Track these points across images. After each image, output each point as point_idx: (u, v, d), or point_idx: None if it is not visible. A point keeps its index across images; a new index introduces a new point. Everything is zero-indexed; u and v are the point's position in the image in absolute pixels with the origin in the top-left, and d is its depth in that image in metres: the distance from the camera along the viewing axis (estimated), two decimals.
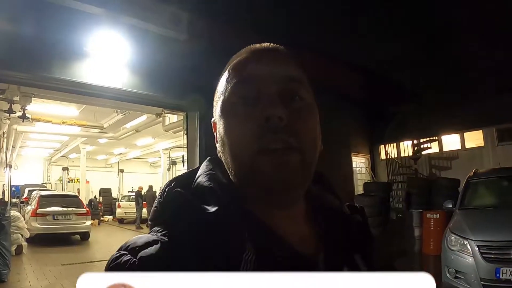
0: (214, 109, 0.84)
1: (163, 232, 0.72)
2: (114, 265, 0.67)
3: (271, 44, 0.85)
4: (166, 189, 0.78)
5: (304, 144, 0.73)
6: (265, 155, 0.70)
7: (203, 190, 0.76)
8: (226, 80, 0.80)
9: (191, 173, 0.84)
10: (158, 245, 0.68)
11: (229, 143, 0.75)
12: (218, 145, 0.82)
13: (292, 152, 0.71)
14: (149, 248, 0.68)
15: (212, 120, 0.86)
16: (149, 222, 0.80)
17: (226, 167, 0.79)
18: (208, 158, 0.87)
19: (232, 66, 0.81)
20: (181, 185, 0.78)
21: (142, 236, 0.72)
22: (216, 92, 0.84)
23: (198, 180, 0.79)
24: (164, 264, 0.64)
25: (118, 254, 0.69)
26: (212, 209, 0.70)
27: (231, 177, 0.79)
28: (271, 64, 0.78)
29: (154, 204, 0.80)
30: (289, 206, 0.78)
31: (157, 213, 0.78)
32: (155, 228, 0.74)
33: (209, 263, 0.63)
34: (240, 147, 0.73)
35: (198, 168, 0.85)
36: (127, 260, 0.66)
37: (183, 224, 0.70)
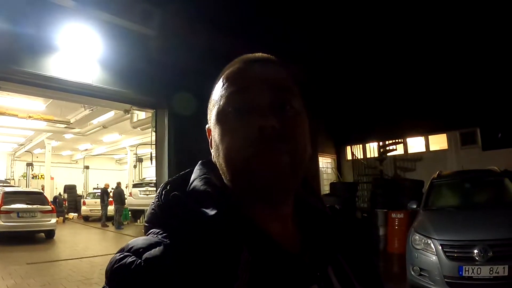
0: (208, 116, 0.87)
1: (163, 234, 0.74)
2: (119, 266, 0.68)
3: (263, 54, 0.88)
4: (163, 192, 0.80)
5: (295, 148, 0.77)
6: (258, 156, 0.73)
7: (200, 194, 0.78)
8: (221, 89, 0.82)
9: (184, 176, 0.87)
10: (162, 247, 0.70)
11: (224, 151, 0.78)
12: (213, 151, 0.85)
13: (283, 155, 0.74)
14: (153, 250, 0.69)
15: (207, 126, 0.89)
16: (146, 224, 0.82)
17: (220, 172, 0.82)
18: (201, 161, 0.90)
19: (226, 75, 0.83)
20: (177, 189, 0.80)
21: (141, 238, 0.75)
22: (210, 100, 0.87)
23: (193, 184, 0.82)
24: (168, 266, 0.67)
25: (121, 256, 0.70)
26: (211, 212, 0.73)
27: (225, 181, 0.82)
28: (263, 74, 0.80)
29: (151, 207, 0.81)
30: (280, 205, 0.81)
31: (156, 215, 0.79)
32: (154, 230, 0.76)
33: (211, 264, 0.68)
34: (235, 155, 0.76)
35: (189, 171, 0.88)
36: (133, 261, 0.68)
37: (184, 227, 0.73)
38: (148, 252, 0.69)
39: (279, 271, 0.73)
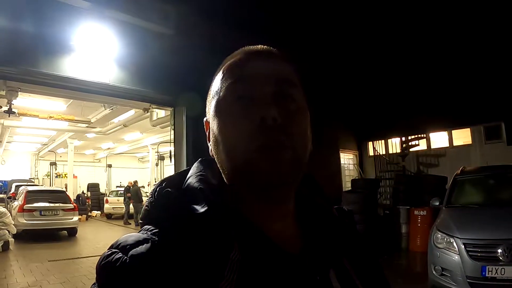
0: (207, 109, 0.85)
1: (154, 231, 0.73)
2: (106, 263, 0.68)
3: (265, 46, 0.86)
4: (157, 189, 0.79)
5: (296, 143, 0.74)
6: (260, 152, 0.71)
7: (193, 190, 0.77)
8: (221, 80, 0.80)
9: (182, 174, 0.85)
10: (149, 244, 0.69)
11: (224, 142, 0.76)
12: (211, 144, 0.83)
13: (285, 149, 0.72)
14: (139, 247, 0.69)
15: (205, 119, 0.87)
16: (140, 221, 0.81)
17: (219, 165, 0.80)
18: (199, 159, 0.88)
19: (227, 67, 0.82)
20: (172, 186, 0.79)
21: (133, 234, 0.74)
22: (209, 92, 0.85)
23: (188, 181, 0.80)
24: (154, 263, 0.66)
25: (109, 252, 0.70)
26: (201, 209, 0.71)
27: (223, 176, 0.80)
28: (265, 66, 0.79)
29: (145, 204, 0.81)
30: (280, 203, 0.79)
31: (148, 212, 0.79)
32: (146, 227, 0.75)
33: (197, 263, 0.66)
34: (234, 146, 0.74)
35: (189, 169, 0.86)
36: (118, 258, 0.67)
37: (172, 224, 0.72)
38: (134, 249, 0.68)
39: (274, 272, 0.71)
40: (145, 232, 0.73)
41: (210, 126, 0.82)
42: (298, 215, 0.85)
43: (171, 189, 0.77)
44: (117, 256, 0.68)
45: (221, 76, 0.81)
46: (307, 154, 0.78)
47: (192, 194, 0.76)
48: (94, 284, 0.69)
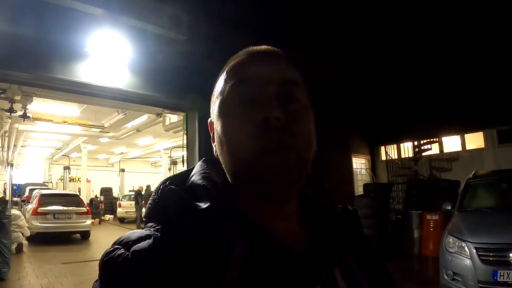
0: (211, 110, 0.85)
1: (157, 227, 0.73)
2: (108, 259, 0.68)
3: (269, 46, 0.86)
4: (161, 187, 0.79)
5: (300, 144, 0.74)
6: (263, 153, 0.71)
7: (196, 188, 0.77)
8: (224, 81, 0.81)
9: (186, 173, 0.85)
10: (151, 240, 0.69)
11: (227, 143, 0.76)
12: (215, 145, 0.83)
13: (288, 150, 0.72)
14: (142, 243, 0.69)
15: (209, 120, 0.88)
16: (144, 219, 0.82)
17: (223, 166, 0.80)
18: (203, 159, 0.88)
19: (230, 67, 0.82)
20: (176, 184, 0.79)
21: (136, 231, 0.74)
22: (213, 93, 0.85)
23: (192, 179, 0.81)
24: (155, 258, 0.67)
25: (112, 248, 0.70)
26: (204, 205, 0.71)
27: (228, 176, 0.80)
28: (269, 66, 0.79)
29: (149, 201, 0.80)
30: (283, 203, 0.80)
31: (151, 209, 0.79)
32: (149, 224, 0.76)
33: (200, 258, 0.66)
34: (238, 146, 0.74)
35: (193, 168, 0.86)
36: (121, 254, 0.68)
37: (175, 220, 0.71)
38: (136, 245, 0.69)
39: (279, 268, 0.71)
40: (148, 228, 0.74)
41: (214, 126, 0.82)
42: (302, 215, 0.86)
43: (174, 187, 0.77)
44: (119, 252, 0.68)
45: (225, 77, 0.81)
46: (311, 154, 0.78)
47: (195, 191, 0.76)
48: (96, 281, 0.70)
